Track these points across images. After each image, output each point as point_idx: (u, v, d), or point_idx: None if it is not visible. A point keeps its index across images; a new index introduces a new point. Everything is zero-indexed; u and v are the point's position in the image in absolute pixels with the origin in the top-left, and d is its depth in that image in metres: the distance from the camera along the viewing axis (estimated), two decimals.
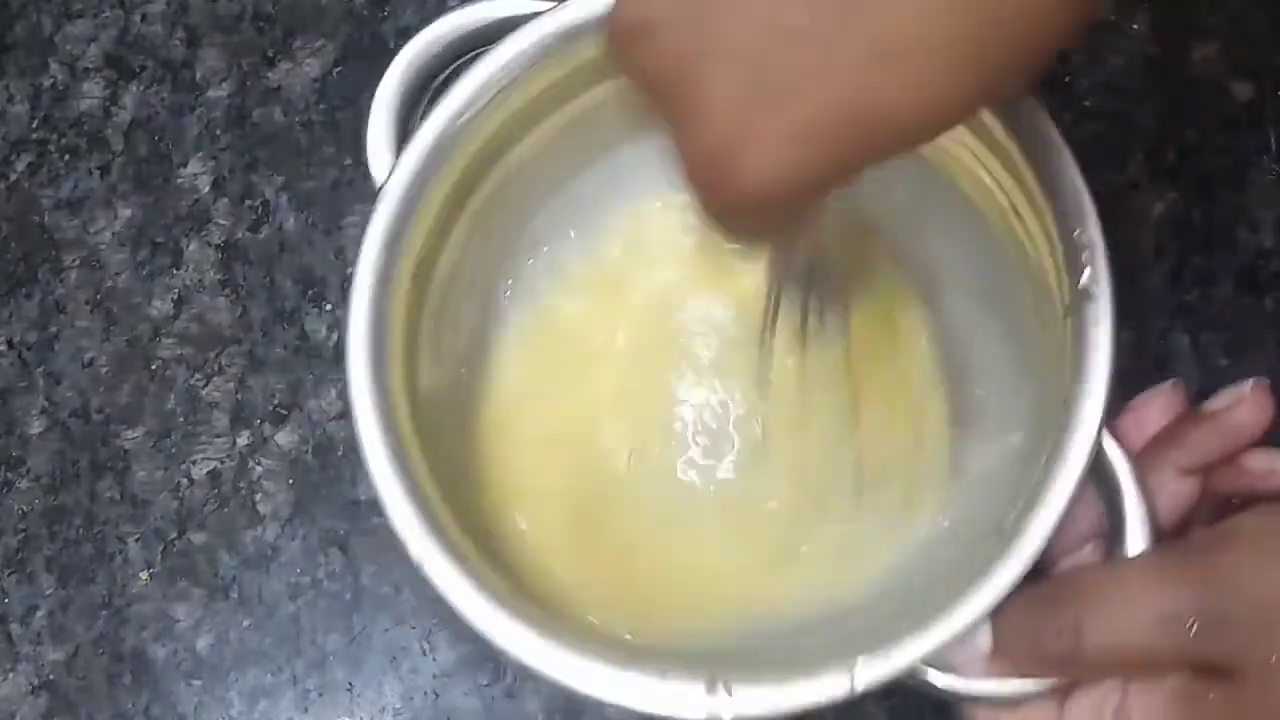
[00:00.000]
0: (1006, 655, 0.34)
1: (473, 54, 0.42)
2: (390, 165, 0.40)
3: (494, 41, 0.41)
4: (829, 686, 0.34)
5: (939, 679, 0.35)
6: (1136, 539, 0.36)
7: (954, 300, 0.46)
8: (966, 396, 0.45)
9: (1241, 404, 0.36)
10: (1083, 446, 0.36)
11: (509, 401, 0.46)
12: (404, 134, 0.41)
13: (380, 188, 0.40)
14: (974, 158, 0.41)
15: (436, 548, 0.37)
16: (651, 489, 0.46)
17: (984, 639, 0.34)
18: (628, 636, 0.42)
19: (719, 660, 0.40)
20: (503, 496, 0.45)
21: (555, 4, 0.40)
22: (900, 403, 0.46)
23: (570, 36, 0.40)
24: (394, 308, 0.40)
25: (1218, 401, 0.37)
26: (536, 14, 0.40)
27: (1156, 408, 0.38)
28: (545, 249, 0.47)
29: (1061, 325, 0.38)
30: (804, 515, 0.45)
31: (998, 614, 0.34)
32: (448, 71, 0.42)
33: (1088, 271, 0.37)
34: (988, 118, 0.39)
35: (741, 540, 0.45)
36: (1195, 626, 0.31)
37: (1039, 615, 0.34)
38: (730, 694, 0.34)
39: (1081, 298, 0.37)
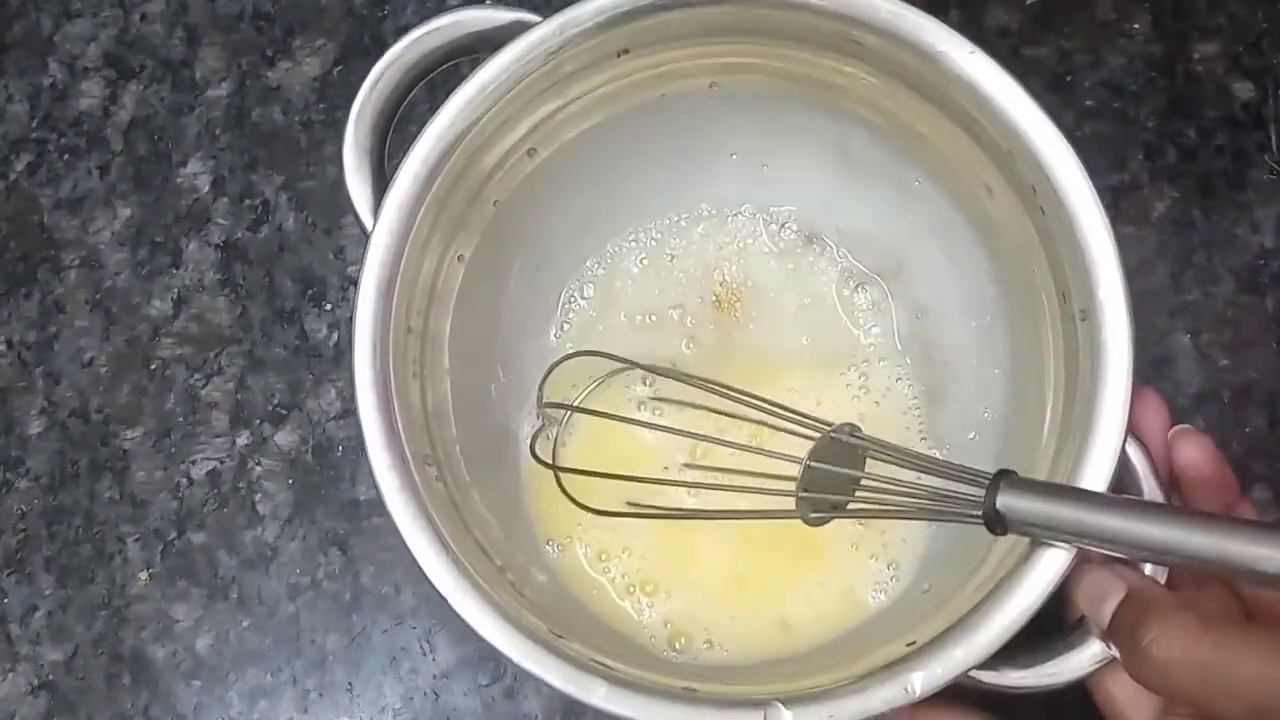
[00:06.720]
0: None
1: (444, 67, 0.42)
2: (367, 183, 0.41)
3: (470, 54, 0.41)
4: (885, 699, 0.35)
5: (986, 676, 0.36)
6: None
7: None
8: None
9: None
10: (1108, 444, 0.36)
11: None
12: (381, 153, 0.42)
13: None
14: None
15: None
16: None
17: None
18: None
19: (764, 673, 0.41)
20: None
21: (526, 14, 0.40)
22: None
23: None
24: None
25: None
26: (520, 22, 0.40)
27: None
28: None
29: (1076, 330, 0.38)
30: None
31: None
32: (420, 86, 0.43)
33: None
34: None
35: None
36: None
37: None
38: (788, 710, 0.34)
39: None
